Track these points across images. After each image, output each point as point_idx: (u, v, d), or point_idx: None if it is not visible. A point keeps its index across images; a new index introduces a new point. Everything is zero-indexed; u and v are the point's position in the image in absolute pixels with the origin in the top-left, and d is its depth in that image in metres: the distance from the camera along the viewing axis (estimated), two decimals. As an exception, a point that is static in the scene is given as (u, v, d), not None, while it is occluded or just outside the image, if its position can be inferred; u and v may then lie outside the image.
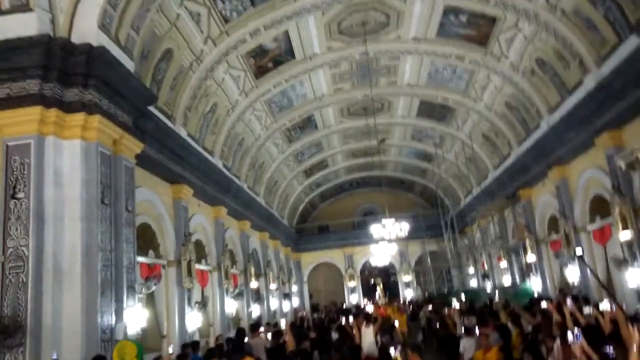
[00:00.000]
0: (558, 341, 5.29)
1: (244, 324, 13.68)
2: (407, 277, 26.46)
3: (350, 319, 10.87)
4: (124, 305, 7.12)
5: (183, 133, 10.89)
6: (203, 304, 11.91)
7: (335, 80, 14.93)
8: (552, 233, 14.53)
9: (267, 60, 12.64)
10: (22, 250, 6.21)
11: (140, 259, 9.23)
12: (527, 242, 15.46)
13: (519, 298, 12.86)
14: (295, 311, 22.67)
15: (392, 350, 7.11)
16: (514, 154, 15.11)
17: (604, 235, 11.60)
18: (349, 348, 8.28)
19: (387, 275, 27.17)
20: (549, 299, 10.19)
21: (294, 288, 25.24)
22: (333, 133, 19.14)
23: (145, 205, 9.67)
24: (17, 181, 6.41)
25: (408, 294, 25.69)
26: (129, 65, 7.69)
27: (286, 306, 22.22)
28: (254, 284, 16.51)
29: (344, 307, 21.89)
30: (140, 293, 8.48)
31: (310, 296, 27.61)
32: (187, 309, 10.69)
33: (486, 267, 21.63)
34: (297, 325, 12.83)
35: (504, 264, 18.65)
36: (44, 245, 6.33)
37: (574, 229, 12.49)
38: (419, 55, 13.33)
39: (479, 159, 17.88)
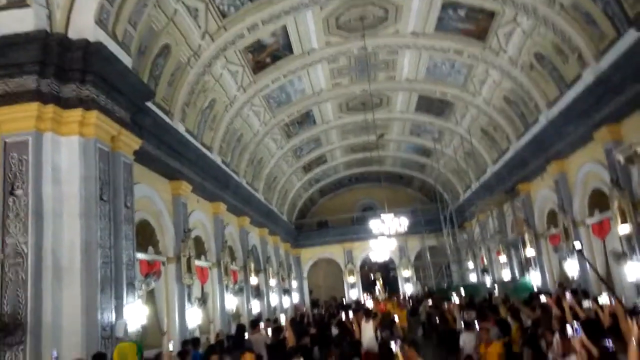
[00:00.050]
0: (557, 335, 5.29)
1: (244, 320, 13.68)
2: (406, 272, 26.53)
3: (350, 314, 10.88)
4: (124, 302, 7.11)
5: (181, 129, 10.87)
6: (203, 301, 11.92)
7: (333, 75, 14.89)
8: (551, 227, 14.55)
9: (265, 56, 12.60)
10: (21, 248, 6.20)
11: (140, 255, 9.23)
12: (526, 237, 15.50)
13: (519, 292, 12.90)
14: (295, 307, 22.70)
15: (393, 345, 7.11)
16: (513, 148, 15.11)
17: (602, 229, 11.62)
18: (349, 343, 8.30)
19: (387, 271, 27.19)
20: (548, 293, 10.25)
21: (294, 284, 25.27)
22: (332, 128, 19.13)
23: (144, 201, 9.66)
24: (15, 178, 6.40)
25: (408, 289, 25.78)
26: (127, 60, 7.67)
27: (286, 302, 22.26)
28: (253, 280, 16.51)
29: (344, 302, 21.90)
30: (140, 290, 8.48)
31: (310, 292, 27.64)
32: (187, 305, 10.69)
33: (485, 261, 21.66)
34: (297, 321, 12.84)
35: (503, 258, 18.69)
36: (42, 242, 6.33)
37: (573, 223, 12.52)
38: (418, 49, 13.29)
39: (478, 154, 17.87)
